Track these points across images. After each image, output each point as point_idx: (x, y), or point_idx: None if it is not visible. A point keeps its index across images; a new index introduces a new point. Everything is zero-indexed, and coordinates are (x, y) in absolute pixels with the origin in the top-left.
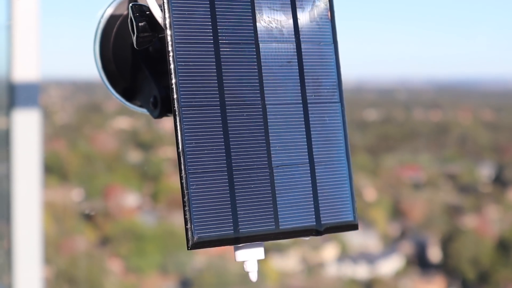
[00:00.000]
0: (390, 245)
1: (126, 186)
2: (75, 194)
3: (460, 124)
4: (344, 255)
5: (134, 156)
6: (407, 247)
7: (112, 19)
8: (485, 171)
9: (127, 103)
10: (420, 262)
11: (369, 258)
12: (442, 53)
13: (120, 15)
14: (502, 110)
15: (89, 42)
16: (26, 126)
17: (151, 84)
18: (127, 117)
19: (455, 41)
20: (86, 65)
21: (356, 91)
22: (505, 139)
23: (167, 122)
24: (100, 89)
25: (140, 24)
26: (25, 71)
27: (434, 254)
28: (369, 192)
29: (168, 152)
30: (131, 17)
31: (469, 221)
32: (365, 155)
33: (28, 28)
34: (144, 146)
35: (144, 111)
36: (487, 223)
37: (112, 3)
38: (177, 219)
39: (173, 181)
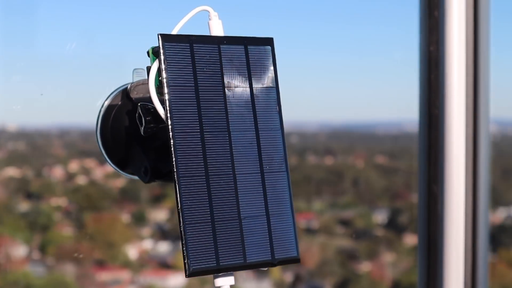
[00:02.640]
0: None
1: (14, 236)
2: None
3: (354, 169)
4: None
5: (23, 206)
6: None
7: (109, 108)
8: (379, 216)
9: (121, 171)
10: None
11: None
12: (335, 97)
13: (115, 105)
14: (396, 154)
15: None
16: None
17: (142, 157)
18: (15, 167)
19: (347, 86)
20: None
21: None
22: (399, 184)
23: (57, 171)
24: None
25: (147, 118)
26: None
27: None
28: None
29: (59, 201)
30: (139, 112)
31: (364, 266)
32: None
33: None
34: (34, 195)
35: (135, 177)
36: (382, 267)
37: (109, 96)
38: (67, 270)
39: (63, 231)
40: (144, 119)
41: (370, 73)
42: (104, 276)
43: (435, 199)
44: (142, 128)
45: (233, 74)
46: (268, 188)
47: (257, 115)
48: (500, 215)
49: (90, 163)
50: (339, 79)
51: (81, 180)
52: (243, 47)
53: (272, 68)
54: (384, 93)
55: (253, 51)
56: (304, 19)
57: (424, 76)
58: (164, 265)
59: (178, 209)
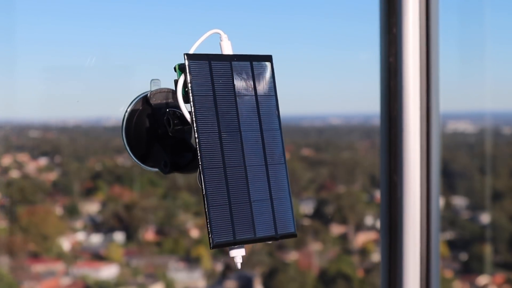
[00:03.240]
0: (215, 282)
1: None
2: None
3: None
4: None
5: None
6: (232, 284)
7: (132, 112)
8: (306, 207)
9: (142, 165)
10: None
11: None
12: None
13: (137, 109)
14: (321, 146)
15: None
16: None
17: (161, 153)
18: None
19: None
20: None
21: None
22: (325, 176)
23: None
24: None
25: (175, 121)
26: None
27: None
28: (193, 229)
29: None
30: (168, 117)
31: (292, 256)
32: (188, 194)
33: None
34: None
35: (155, 169)
36: (309, 257)
37: (132, 102)
38: (1, 262)
39: None
40: (172, 122)
41: (296, 67)
42: (38, 267)
43: (395, 186)
44: (170, 129)
45: (242, 85)
46: (271, 177)
47: (261, 118)
48: None
49: (23, 157)
50: None
51: (14, 174)
52: (249, 63)
53: (271, 80)
54: (309, 87)
55: (257, 66)
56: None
57: (384, 83)
58: (97, 257)
59: (203, 194)
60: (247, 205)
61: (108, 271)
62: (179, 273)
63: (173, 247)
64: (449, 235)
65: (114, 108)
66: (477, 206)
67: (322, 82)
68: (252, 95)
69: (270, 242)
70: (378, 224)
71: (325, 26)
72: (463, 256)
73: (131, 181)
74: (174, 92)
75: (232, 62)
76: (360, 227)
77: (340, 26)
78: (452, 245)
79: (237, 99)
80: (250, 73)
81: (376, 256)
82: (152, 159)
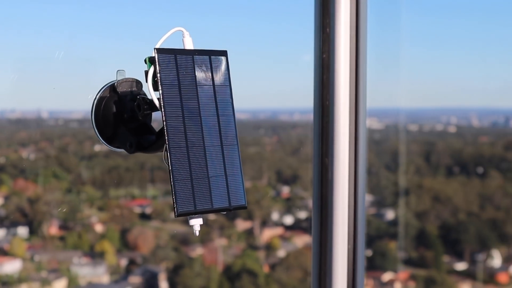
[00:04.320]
0: (120, 278)
1: None
2: None
3: None
4: None
5: None
6: (136, 279)
7: (100, 99)
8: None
9: (109, 146)
10: None
11: None
12: None
13: (105, 97)
14: None
15: None
16: None
17: (127, 135)
18: None
19: None
20: None
21: (83, 123)
22: None
23: None
24: None
25: (145, 106)
26: None
27: (164, 284)
28: (97, 225)
29: None
30: (138, 102)
31: (197, 251)
32: (93, 188)
33: None
34: None
35: (121, 150)
36: (214, 252)
37: (100, 90)
38: None
39: None
40: (143, 107)
41: None
42: None
43: (326, 168)
44: (140, 113)
45: (202, 76)
46: (225, 156)
47: (218, 105)
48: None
49: None
50: None
51: None
52: (208, 57)
53: (226, 72)
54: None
55: (214, 60)
56: None
57: (318, 77)
58: (0, 252)
59: (169, 170)
60: (205, 180)
61: (11, 266)
62: (83, 268)
63: (77, 242)
64: None
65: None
66: (383, 202)
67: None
68: (210, 85)
69: (224, 212)
70: (284, 220)
71: (252, 25)
72: (368, 253)
73: (36, 174)
74: (138, 82)
75: (194, 56)
76: (266, 222)
77: (272, 26)
78: None
79: (198, 88)
80: (209, 65)
81: (281, 252)
82: (118, 141)
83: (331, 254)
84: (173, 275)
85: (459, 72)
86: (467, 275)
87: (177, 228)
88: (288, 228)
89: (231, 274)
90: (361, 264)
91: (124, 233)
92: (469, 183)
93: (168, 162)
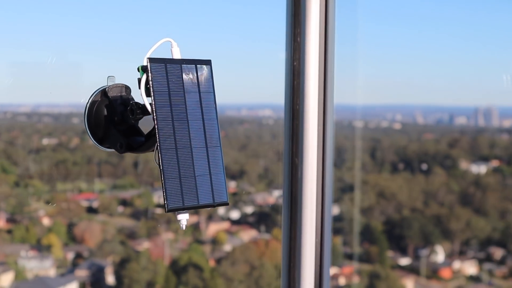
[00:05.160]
0: (67, 271)
1: None
2: None
3: None
4: (21, 282)
5: None
6: (83, 272)
7: (92, 103)
8: (158, 197)
9: (100, 146)
10: (96, 287)
11: (46, 285)
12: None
13: (97, 100)
14: None
15: None
16: None
17: (117, 136)
18: None
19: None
20: None
21: (31, 117)
22: None
23: None
24: None
25: (137, 111)
26: None
27: (110, 278)
28: (45, 218)
29: None
30: (131, 107)
31: (144, 245)
32: (40, 182)
33: None
34: None
35: (111, 150)
36: (161, 246)
37: (92, 94)
38: None
39: None
40: (135, 112)
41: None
42: None
43: (296, 167)
44: (133, 117)
45: (189, 83)
46: (210, 157)
47: (203, 110)
48: (274, 196)
49: None
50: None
51: None
52: (194, 66)
53: (210, 79)
54: None
55: (200, 68)
56: None
57: (289, 82)
58: None
59: (160, 169)
60: (192, 179)
61: None
62: (30, 262)
63: (24, 235)
64: None
65: None
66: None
67: None
68: (196, 92)
69: (209, 208)
70: (230, 214)
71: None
72: None
73: None
74: (127, 87)
75: (182, 65)
76: (212, 217)
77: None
78: None
79: (185, 94)
80: (195, 73)
81: (227, 247)
82: (108, 141)
83: (300, 247)
84: (120, 268)
85: (403, 69)
86: (411, 270)
87: (124, 222)
88: (234, 222)
89: (177, 268)
90: (327, 256)
91: (71, 226)
92: (413, 179)
93: (160, 162)
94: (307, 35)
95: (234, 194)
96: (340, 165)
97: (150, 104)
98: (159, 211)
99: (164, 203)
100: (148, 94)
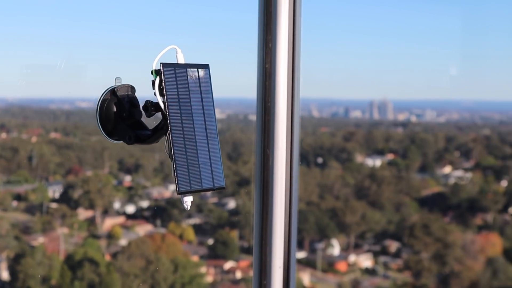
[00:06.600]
0: None
1: None
2: None
3: (28, 145)
4: None
5: None
6: None
7: (103, 100)
8: (53, 191)
9: (110, 139)
10: None
11: None
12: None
13: (107, 99)
14: (69, 130)
15: None
16: None
17: (126, 129)
18: None
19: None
20: None
21: None
22: (73, 160)
23: None
24: None
25: (151, 108)
26: None
27: (5, 273)
28: None
29: None
30: (146, 105)
31: (38, 240)
32: None
33: None
34: None
35: (119, 141)
36: (56, 241)
37: (103, 93)
38: None
39: None
40: (150, 109)
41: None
42: None
43: (267, 158)
44: (148, 113)
45: (193, 84)
46: (210, 148)
47: (204, 107)
48: (170, 190)
49: None
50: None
51: None
52: (196, 69)
53: (209, 81)
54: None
55: (201, 71)
56: None
57: (261, 83)
58: None
59: (172, 158)
60: (197, 166)
61: None
62: None
63: None
64: (196, 220)
65: None
66: (224, 192)
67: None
68: (198, 91)
69: (209, 192)
70: (126, 209)
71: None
72: (210, 241)
73: None
74: (133, 87)
75: (187, 69)
76: (108, 211)
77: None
78: (199, 230)
79: (190, 94)
80: (197, 76)
81: (123, 241)
82: (117, 134)
83: (271, 226)
84: (14, 264)
85: (300, 63)
86: (307, 263)
87: (18, 217)
88: (129, 217)
89: (72, 263)
90: (294, 235)
91: None
92: (309, 172)
93: (172, 152)
94: (277, 41)
95: (130, 188)
96: (236, 159)
97: (163, 102)
98: (53, 205)
99: (176, 187)
100: (161, 94)
